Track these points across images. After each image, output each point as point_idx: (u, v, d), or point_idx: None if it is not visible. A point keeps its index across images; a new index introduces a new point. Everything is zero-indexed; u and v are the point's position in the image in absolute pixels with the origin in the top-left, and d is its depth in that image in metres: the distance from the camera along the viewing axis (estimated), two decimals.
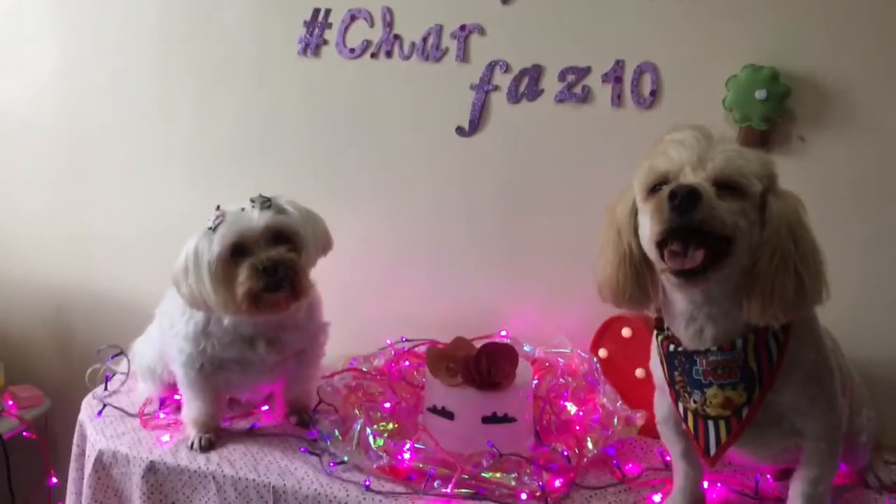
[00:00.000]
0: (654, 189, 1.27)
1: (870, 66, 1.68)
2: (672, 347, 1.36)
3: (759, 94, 1.69)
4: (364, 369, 1.92)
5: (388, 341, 2.00)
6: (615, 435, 1.68)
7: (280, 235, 1.61)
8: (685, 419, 1.39)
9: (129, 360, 1.97)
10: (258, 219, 1.59)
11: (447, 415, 1.66)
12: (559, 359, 1.89)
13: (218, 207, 1.62)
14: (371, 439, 1.65)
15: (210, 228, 1.59)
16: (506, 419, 1.65)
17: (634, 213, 1.33)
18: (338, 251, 1.75)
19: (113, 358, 2.02)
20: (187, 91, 2.15)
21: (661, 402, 1.49)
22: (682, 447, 1.50)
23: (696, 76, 1.79)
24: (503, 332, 1.98)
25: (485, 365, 1.65)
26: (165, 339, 1.77)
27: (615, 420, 1.70)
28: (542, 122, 1.92)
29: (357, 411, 1.73)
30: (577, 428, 1.72)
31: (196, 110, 2.15)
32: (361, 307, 2.08)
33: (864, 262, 1.73)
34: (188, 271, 1.59)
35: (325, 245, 1.71)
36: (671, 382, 1.39)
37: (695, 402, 1.35)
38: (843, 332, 1.52)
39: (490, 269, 2.04)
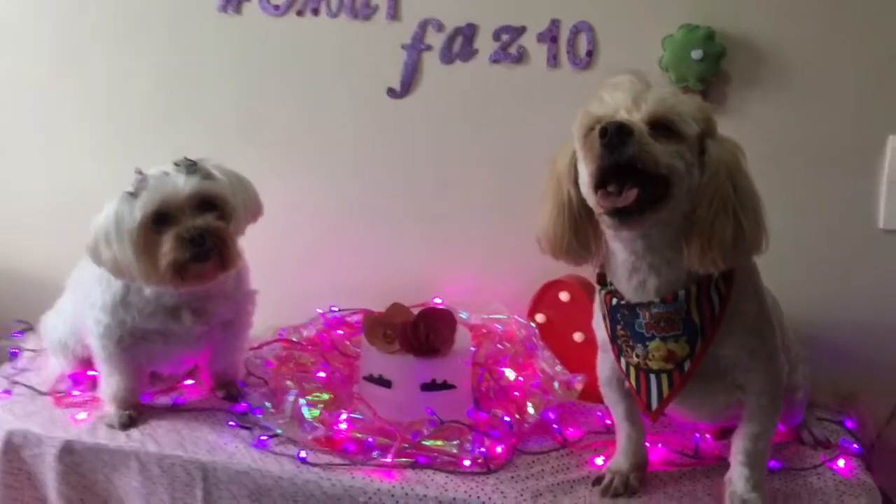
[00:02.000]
0: (588, 133, 1.24)
1: (804, 27, 1.69)
2: (615, 301, 1.34)
3: (695, 53, 1.68)
4: (294, 339, 1.84)
5: (318, 311, 1.93)
6: (555, 399, 1.66)
7: (207, 202, 1.51)
8: (627, 375, 1.37)
9: (38, 337, 1.84)
10: (183, 184, 1.49)
11: (384, 383, 1.61)
12: (496, 325, 1.86)
13: (139, 172, 1.51)
14: (305, 410, 1.59)
15: (130, 193, 1.48)
16: (445, 386, 1.60)
17: (574, 162, 1.30)
18: (264, 217, 1.66)
19: (21, 335, 1.89)
20: (97, 48, 2.01)
21: (604, 362, 1.48)
22: (624, 407, 1.48)
23: (633, 36, 1.76)
24: (437, 300, 1.92)
25: (423, 331, 1.60)
26: (79, 310, 1.65)
27: (555, 384, 1.67)
28: (477, 83, 1.87)
29: (289, 382, 1.66)
30: (517, 394, 1.69)
31: (107, 69, 2.01)
32: (289, 276, 2.00)
33: (796, 223, 1.75)
34: (110, 238, 1.48)
35: (254, 211, 1.62)
36: (614, 337, 1.37)
37: (637, 356, 1.34)
38: (777, 292, 1.53)
39: (423, 236, 1.98)
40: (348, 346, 1.85)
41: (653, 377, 1.33)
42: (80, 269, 1.67)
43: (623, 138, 1.15)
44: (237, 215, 1.55)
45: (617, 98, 1.23)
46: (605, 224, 1.24)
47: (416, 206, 1.97)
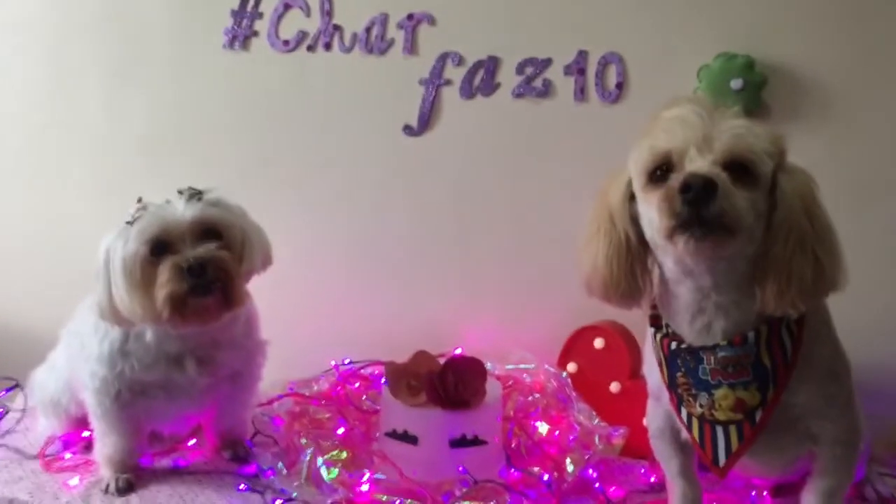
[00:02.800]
0: (655, 173, 1.13)
1: (849, 52, 1.62)
2: (674, 345, 1.21)
3: (735, 83, 1.60)
4: (307, 394, 1.70)
5: (333, 363, 1.79)
6: (595, 455, 1.52)
7: (210, 230, 1.38)
8: (689, 426, 1.24)
9: (25, 395, 1.69)
10: (184, 210, 1.36)
11: (410, 439, 1.47)
12: (524, 376, 1.73)
13: (139, 200, 1.38)
14: (323, 471, 1.44)
15: (128, 223, 1.35)
16: (476, 442, 1.47)
17: (630, 197, 1.19)
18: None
19: (6, 392, 1.73)
20: (92, 77, 1.89)
21: (656, 412, 1.34)
22: (679, 463, 1.34)
23: (666, 66, 1.68)
24: (458, 350, 1.80)
25: (451, 381, 1.47)
26: (74, 363, 1.51)
27: (596, 438, 1.53)
28: (499, 118, 1.78)
29: (304, 440, 1.51)
30: (552, 450, 1.55)
31: (102, 100, 1.89)
32: (298, 327, 1.85)
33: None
34: (99, 275, 1.35)
35: (265, 259, 1.49)
36: (672, 385, 1.24)
37: (701, 405, 1.20)
38: None
39: (441, 282, 1.87)
40: (364, 400, 1.71)
41: (720, 429, 1.20)
42: (76, 318, 1.53)
43: (708, 194, 1.04)
44: (246, 249, 1.41)
45: (686, 133, 1.11)
46: (687, 250, 1.10)
47: (435, 250, 1.86)
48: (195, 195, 1.38)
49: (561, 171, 1.76)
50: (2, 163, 1.96)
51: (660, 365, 1.26)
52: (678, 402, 1.24)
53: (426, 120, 1.81)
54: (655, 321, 1.26)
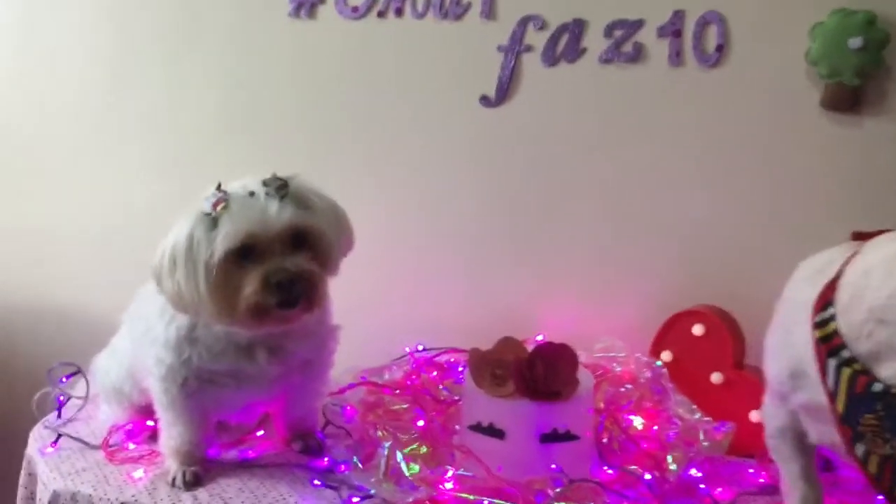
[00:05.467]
0: None
1: None
2: (879, 387, 1.04)
3: (853, 42, 1.44)
4: (380, 382, 1.59)
5: (407, 350, 1.68)
6: (700, 453, 1.38)
7: (301, 237, 1.28)
8: (863, 462, 1.08)
9: (87, 381, 1.62)
10: (276, 215, 1.25)
11: (496, 433, 1.34)
12: (613, 364, 1.60)
13: (219, 187, 1.28)
14: (403, 466, 1.33)
15: (208, 214, 1.25)
16: (567, 437, 1.34)
17: None
18: None
19: (67, 378, 1.66)
20: (150, 58, 1.82)
21: (778, 410, 1.19)
22: (801, 465, 1.20)
23: (773, 26, 1.53)
24: (539, 337, 1.68)
25: (541, 370, 1.34)
26: (138, 348, 1.42)
27: (700, 434, 1.40)
28: (584, 87, 1.65)
29: (380, 433, 1.41)
30: (650, 446, 1.42)
31: (165, 76, 1.82)
32: (368, 312, 1.76)
33: None
34: (177, 265, 1.25)
35: (346, 246, 1.38)
36: (850, 423, 1.07)
37: (893, 448, 1.05)
38: None
39: (520, 263, 1.75)
40: (441, 390, 1.60)
41: None
42: (140, 300, 1.44)
43: None
44: (333, 254, 1.31)
45: None
46: None
47: (513, 230, 1.75)
48: (281, 188, 1.27)
49: (653, 144, 1.63)
50: (62, 147, 1.90)
51: (830, 396, 1.09)
52: (852, 438, 1.09)
53: (505, 90, 1.69)
54: (833, 347, 1.09)
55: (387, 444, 1.37)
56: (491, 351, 1.41)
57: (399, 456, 1.34)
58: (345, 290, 1.49)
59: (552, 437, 1.33)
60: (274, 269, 1.23)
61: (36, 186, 1.93)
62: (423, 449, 1.39)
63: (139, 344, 1.41)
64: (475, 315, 1.74)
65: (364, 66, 1.75)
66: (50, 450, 1.48)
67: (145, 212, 1.64)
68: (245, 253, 1.24)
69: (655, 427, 1.45)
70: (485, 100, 1.70)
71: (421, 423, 1.45)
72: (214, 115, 1.81)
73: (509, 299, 1.75)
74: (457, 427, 1.45)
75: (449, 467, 1.33)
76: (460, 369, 1.63)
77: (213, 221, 1.24)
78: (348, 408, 1.57)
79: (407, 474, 1.32)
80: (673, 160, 1.59)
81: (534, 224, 1.73)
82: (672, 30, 1.57)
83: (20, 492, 1.52)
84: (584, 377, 1.41)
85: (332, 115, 1.77)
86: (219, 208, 1.24)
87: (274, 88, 1.79)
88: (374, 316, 1.76)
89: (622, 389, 1.52)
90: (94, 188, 1.89)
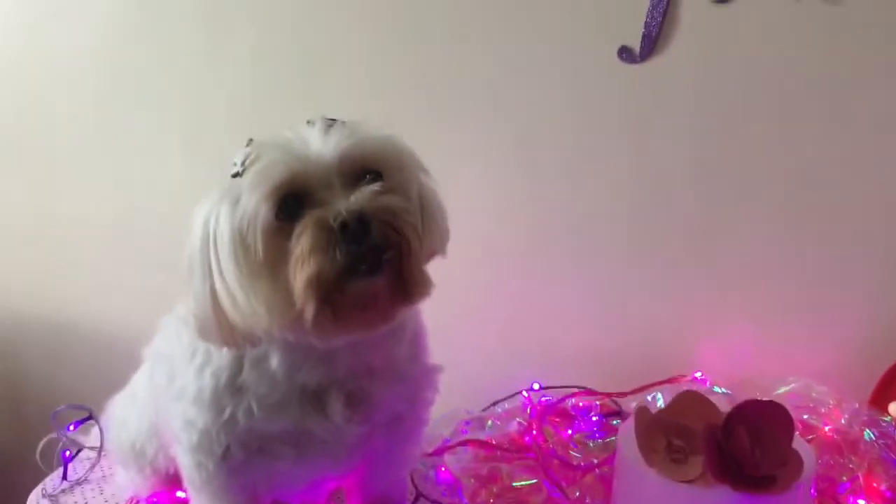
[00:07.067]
0: None
1: None
2: None
3: None
4: (489, 439, 1.18)
5: (524, 393, 1.26)
6: None
7: (366, 171, 0.85)
8: None
9: (101, 429, 1.23)
10: (324, 145, 0.83)
11: None
12: (807, 416, 1.17)
13: (250, 141, 0.86)
14: None
15: (235, 175, 0.83)
16: None
17: None
18: None
19: (76, 426, 1.28)
20: (189, 21, 1.42)
21: None
22: None
23: None
24: (697, 374, 1.29)
25: (745, 442, 0.91)
26: (161, 402, 1.01)
27: None
28: (770, 31, 1.21)
29: None
30: None
31: (202, 47, 1.42)
32: (464, 335, 1.35)
33: None
34: (192, 266, 0.84)
35: (443, 239, 0.95)
36: None
37: None
38: None
39: (671, 275, 1.35)
40: (571, 451, 1.18)
41: None
42: (163, 333, 1.03)
43: None
44: (429, 211, 0.89)
45: None
46: None
47: (662, 230, 1.34)
48: (332, 124, 0.85)
49: (870, 108, 1.20)
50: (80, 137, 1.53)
51: None
52: None
53: (654, 38, 1.26)
54: None
55: None
56: (667, 411, 0.98)
57: None
58: (434, 310, 1.08)
59: None
60: (333, 209, 0.81)
61: (54, 181, 1.57)
62: None
63: (162, 396, 1.01)
64: (613, 344, 1.36)
65: (467, 8, 1.32)
66: None
67: (178, 212, 1.26)
68: (290, 207, 0.81)
69: None
70: (626, 52, 1.27)
71: None
72: (264, 87, 1.40)
73: (654, 324, 1.36)
74: None
75: None
76: (594, 418, 1.23)
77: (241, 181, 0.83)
78: (444, 470, 1.16)
79: None
80: None
81: (692, 221, 1.32)
82: None
83: None
84: (804, 452, 0.97)
85: (412, 74, 1.37)
86: (248, 160, 0.82)
87: (340, 49, 1.39)
88: (474, 344, 1.37)
89: (842, 460, 1.08)
90: (119, 184, 1.52)
